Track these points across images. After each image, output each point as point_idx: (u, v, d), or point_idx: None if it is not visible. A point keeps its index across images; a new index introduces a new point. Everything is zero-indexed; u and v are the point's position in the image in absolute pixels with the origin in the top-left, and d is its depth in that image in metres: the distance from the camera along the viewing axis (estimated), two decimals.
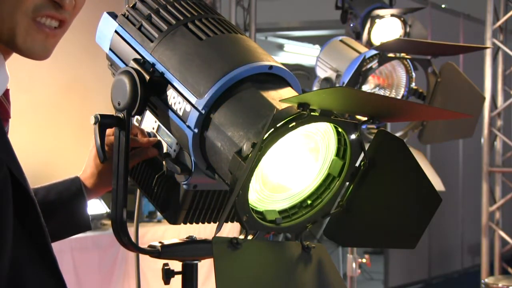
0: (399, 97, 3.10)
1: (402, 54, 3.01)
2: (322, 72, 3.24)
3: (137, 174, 1.37)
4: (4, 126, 1.05)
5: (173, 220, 1.30)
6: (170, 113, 1.19)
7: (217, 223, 1.04)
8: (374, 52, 2.99)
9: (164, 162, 1.28)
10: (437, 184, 3.03)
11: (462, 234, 8.13)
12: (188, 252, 1.37)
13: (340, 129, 1.08)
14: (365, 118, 1.09)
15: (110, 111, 1.30)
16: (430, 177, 1.06)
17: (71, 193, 1.42)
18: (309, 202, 1.12)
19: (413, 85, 3.11)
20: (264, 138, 1.00)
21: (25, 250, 1.02)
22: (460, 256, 8.21)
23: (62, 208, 1.42)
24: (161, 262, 1.35)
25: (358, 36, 3.80)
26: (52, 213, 1.37)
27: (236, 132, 1.07)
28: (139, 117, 1.36)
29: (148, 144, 1.31)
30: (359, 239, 1.17)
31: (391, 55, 2.99)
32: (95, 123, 1.28)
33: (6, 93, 1.09)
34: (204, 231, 1.41)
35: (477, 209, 5.97)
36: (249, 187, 1.02)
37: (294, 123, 1.02)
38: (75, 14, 1.09)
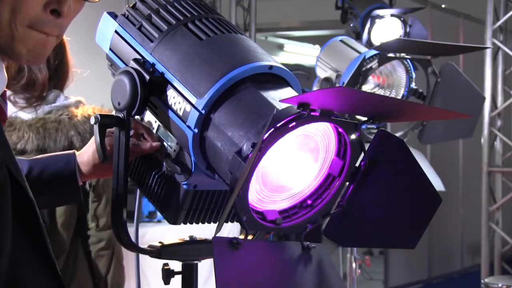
0: (399, 97, 3.10)
1: (402, 54, 3.01)
2: (322, 72, 3.24)
3: (137, 174, 1.37)
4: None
5: (173, 220, 1.31)
6: (170, 113, 1.19)
7: (217, 223, 1.04)
8: (374, 52, 2.99)
9: (164, 162, 1.29)
10: (437, 184, 3.03)
11: (462, 234, 8.13)
12: (188, 252, 1.37)
13: (340, 129, 1.08)
14: (365, 118, 1.09)
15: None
16: (430, 177, 1.06)
17: (64, 177, 1.46)
18: (309, 202, 1.12)
19: (413, 85, 3.11)
20: (264, 138, 1.00)
21: (24, 250, 1.02)
22: (460, 256, 8.22)
23: (53, 189, 1.47)
24: (161, 262, 1.35)
25: (358, 36, 3.80)
26: (43, 192, 1.42)
27: (236, 132, 1.07)
28: (138, 117, 1.36)
29: (150, 150, 1.31)
30: (359, 239, 1.17)
31: (391, 55, 2.99)
32: (95, 123, 1.29)
33: (3, 94, 1.09)
34: (204, 231, 1.41)
35: (477, 209, 5.97)
36: (249, 187, 1.02)
37: (294, 123, 1.02)
38: (71, 19, 1.08)
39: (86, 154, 1.46)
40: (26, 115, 2.39)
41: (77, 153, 1.48)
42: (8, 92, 2.33)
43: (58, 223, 2.42)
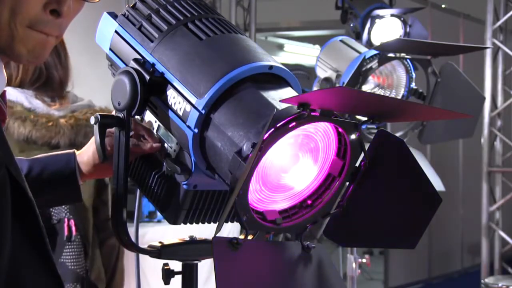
0: (399, 97, 3.10)
1: (402, 54, 3.01)
2: (322, 72, 3.24)
3: (137, 174, 1.37)
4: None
5: (173, 220, 1.30)
6: (170, 113, 1.19)
7: (217, 223, 1.04)
8: (374, 52, 2.99)
9: (164, 162, 1.29)
10: (437, 184, 3.02)
11: (462, 234, 8.13)
12: (188, 252, 1.37)
13: (340, 129, 1.08)
14: (365, 118, 1.09)
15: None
16: (430, 177, 1.06)
17: (64, 176, 1.46)
18: (309, 202, 1.12)
19: (413, 85, 3.11)
20: (264, 138, 1.00)
21: (24, 250, 1.02)
22: (460, 256, 8.21)
23: (53, 189, 1.47)
24: (161, 262, 1.35)
25: (358, 36, 3.79)
26: (43, 191, 1.43)
27: (236, 132, 1.07)
28: (139, 117, 1.36)
29: (150, 151, 1.31)
30: (359, 239, 1.17)
31: (391, 55, 2.99)
32: (95, 123, 1.29)
33: (3, 94, 1.09)
34: (204, 231, 1.41)
35: (477, 209, 5.97)
36: (249, 187, 1.02)
37: (294, 123, 1.02)
38: (71, 20, 1.08)
39: (86, 154, 1.46)
40: (58, 112, 2.52)
41: (77, 152, 1.48)
42: (31, 92, 2.43)
43: (89, 211, 2.54)
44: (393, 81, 3.16)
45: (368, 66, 2.93)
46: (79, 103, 2.58)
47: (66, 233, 2.47)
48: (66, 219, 2.50)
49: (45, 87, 2.48)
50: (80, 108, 2.55)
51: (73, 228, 2.51)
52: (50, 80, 2.47)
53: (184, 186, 1.26)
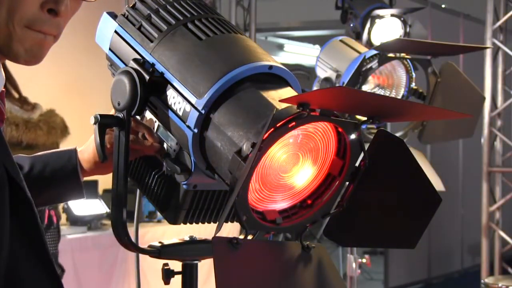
0: (399, 97, 3.10)
1: (402, 54, 3.01)
2: (322, 72, 3.24)
3: (137, 174, 1.37)
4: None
5: (173, 220, 1.31)
6: (170, 113, 1.19)
7: (217, 223, 1.04)
8: (374, 52, 2.98)
9: (164, 162, 1.29)
10: (437, 184, 3.02)
11: (462, 234, 8.13)
12: (188, 252, 1.37)
13: (339, 129, 1.08)
14: (365, 118, 1.09)
15: (110, 111, 1.30)
16: (430, 177, 1.06)
17: (66, 173, 1.45)
18: (309, 202, 1.12)
19: (413, 85, 3.11)
20: (264, 138, 1.00)
21: (22, 250, 1.02)
22: (460, 256, 8.22)
23: (56, 186, 1.46)
24: (161, 262, 1.35)
25: (358, 36, 3.80)
26: (46, 188, 1.43)
27: (236, 132, 1.07)
28: (138, 117, 1.36)
29: (150, 151, 1.31)
30: (359, 239, 1.17)
31: (391, 55, 2.99)
32: (94, 123, 1.29)
33: (1, 94, 1.09)
34: (204, 231, 1.41)
35: (477, 209, 5.97)
36: (249, 187, 1.02)
37: (294, 123, 1.02)
38: (69, 19, 1.08)
39: (87, 152, 1.46)
40: (33, 115, 2.68)
41: (78, 149, 1.48)
42: None
43: None
44: (393, 81, 3.15)
45: (368, 66, 2.93)
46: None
47: (46, 221, 2.67)
48: (47, 210, 2.66)
49: (7, 92, 2.59)
50: (39, 111, 2.75)
51: (54, 218, 2.68)
52: (12, 84, 2.57)
53: (184, 186, 1.26)
